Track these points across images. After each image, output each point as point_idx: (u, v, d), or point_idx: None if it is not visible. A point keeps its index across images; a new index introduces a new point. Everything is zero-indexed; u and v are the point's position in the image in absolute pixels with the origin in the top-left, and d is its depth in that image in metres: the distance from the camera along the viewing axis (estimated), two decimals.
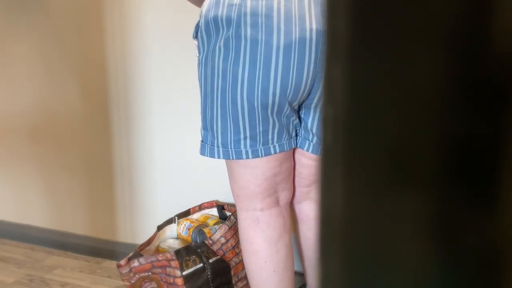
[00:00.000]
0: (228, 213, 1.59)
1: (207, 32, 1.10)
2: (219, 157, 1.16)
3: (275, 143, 1.15)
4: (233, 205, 1.65)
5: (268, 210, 1.21)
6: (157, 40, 1.69)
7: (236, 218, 1.53)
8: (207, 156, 1.18)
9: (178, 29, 1.65)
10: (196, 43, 1.17)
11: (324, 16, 0.22)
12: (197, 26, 1.15)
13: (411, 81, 0.20)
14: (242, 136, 1.13)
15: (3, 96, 1.99)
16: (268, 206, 1.21)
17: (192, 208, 1.66)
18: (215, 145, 1.16)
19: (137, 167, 1.82)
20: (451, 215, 0.21)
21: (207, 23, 1.09)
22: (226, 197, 1.69)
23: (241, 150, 1.14)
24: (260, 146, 1.14)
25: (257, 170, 1.17)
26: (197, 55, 1.17)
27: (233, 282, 1.47)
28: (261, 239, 1.21)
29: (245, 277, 1.52)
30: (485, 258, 0.21)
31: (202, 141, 1.20)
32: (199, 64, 1.16)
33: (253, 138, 1.13)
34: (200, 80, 1.17)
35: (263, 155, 1.15)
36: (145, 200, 1.83)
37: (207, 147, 1.18)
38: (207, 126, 1.17)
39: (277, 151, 1.16)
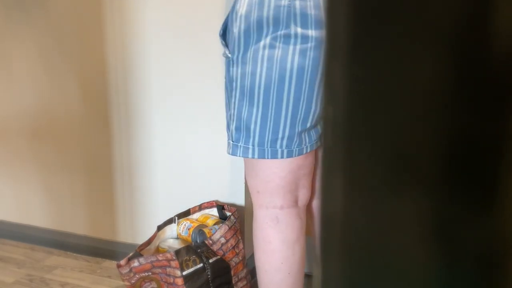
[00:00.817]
0: (228, 213, 1.59)
1: (247, 31, 1.12)
2: (253, 157, 1.17)
3: (307, 143, 1.18)
4: (233, 205, 1.65)
5: (288, 209, 1.22)
6: (157, 40, 1.69)
7: (236, 218, 1.53)
8: (239, 156, 1.19)
9: (178, 28, 1.64)
10: (223, 41, 1.18)
11: (324, 17, 0.22)
12: (225, 24, 1.18)
13: (411, 82, 0.20)
14: (280, 135, 1.15)
15: (3, 96, 1.99)
16: (288, 204, 1.22)
17: (192, 208, 1.66)
18: (250, 144, 1.16)
19: (137, 167, 1.82)
20: (451, 215, 0.21)
21: (248, 23, 1.12)
22: (226, 197, 1.69)
23: (277, 150, 1.16)
24: (295, 147, 1.17)
25: (283, 162, 1.18)
26: (227, 54, 1.17)
27: (233, 282, 1.47)
28: (280, 240, 1.21)
29: (245, 277, 1.52)
30: (485, 257, 0.21)
31: (232, 142, 1.20)
32: (231, 63, 1.17)
33: (290, 138, 1.15)
34: (233, 80, 1.17)
35: (297, 155, 1.17)
36: (145, 200, 1.83)
37: (240, 147, 1.18)
38: (241, 126, 1.17)
39: (308, 150, 1.19)
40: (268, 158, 1.16)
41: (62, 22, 1.81)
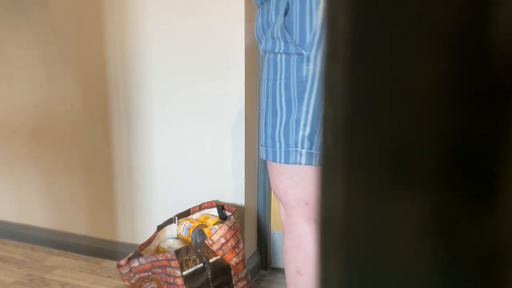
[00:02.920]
0: (228, 213, 1.59)
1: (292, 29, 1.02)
2: (301, 163, 1.08)
3: None
4: (233, 205, 1.65)
5: None
6: (157, 40, 1.69)
7: (236, 218, 1.53)
8: (292, 163, 1.09)
9: (178, 28, 1.64)
10: (289, 35, 1.05)
11: (324, 15, 0.22)
12: (287, 15, 1.04)
13: (411, 81, 0.20)
14: None
15: (3, 96, 1.99)
16: None
17: (192, 208, 1.66)
18: (299, 148, 1.08)
19: (137, 167, 1.82)
20: (451, 215, 0.21)
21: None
22: (226, 197, 1.69)
23: None
24: None
25: None
26: (298, 50, 1.04)
27: (233, 282, 1.47)
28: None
29: (245, 277, 1.52)
30: (485, 258, 0.21)
31: (306, 150, 1.09)
32: (306, 60, 1.04)
33: None
34: (306, 80, 1.07)
35: None
36: (145, 200, 1.83)
37: (293, 153, 1.09)
38: (316, 131, 1.08)
39: None
40: (316, 164, 1.07)
41: (62, 22, 1.81)
